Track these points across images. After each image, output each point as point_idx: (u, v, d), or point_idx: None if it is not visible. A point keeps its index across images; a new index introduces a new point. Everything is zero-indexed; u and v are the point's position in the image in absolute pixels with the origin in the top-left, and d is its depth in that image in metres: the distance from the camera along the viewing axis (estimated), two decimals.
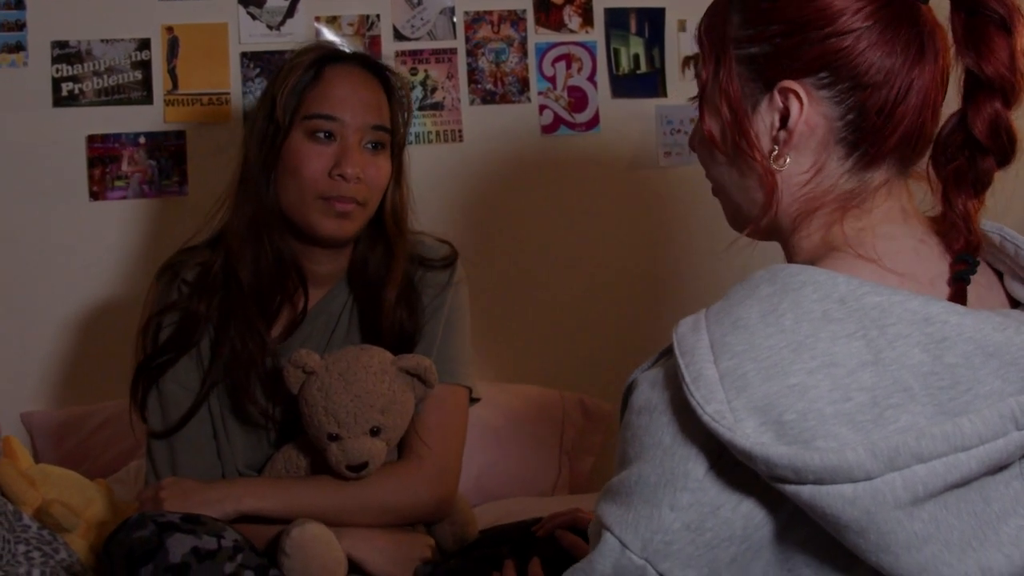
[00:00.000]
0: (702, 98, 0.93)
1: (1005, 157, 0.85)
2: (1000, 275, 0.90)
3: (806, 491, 0.72)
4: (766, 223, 0.92)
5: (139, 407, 1.52)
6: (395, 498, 1.45)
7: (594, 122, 2.32)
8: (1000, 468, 0.75)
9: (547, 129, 2.31)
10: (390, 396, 1.40)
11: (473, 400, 1.59)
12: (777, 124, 0.88)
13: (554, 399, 2.19)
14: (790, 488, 0.73)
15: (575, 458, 2.16)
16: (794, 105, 0.86)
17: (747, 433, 0.73)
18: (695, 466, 0.77)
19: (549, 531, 1.45)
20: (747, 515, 0.77)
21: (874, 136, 0.86)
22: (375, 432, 1.40)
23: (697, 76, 0.94)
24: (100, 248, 2.17)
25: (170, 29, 2.19)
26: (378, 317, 1.52)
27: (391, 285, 1.53)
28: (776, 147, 0.88)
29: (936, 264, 0.86)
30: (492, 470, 2.05)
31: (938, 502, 0.73)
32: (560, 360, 2.32)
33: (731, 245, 0.94)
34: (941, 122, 0.88)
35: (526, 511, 1.76)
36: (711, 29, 0.92)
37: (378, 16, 2.25)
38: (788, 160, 0.88)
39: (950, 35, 0.87)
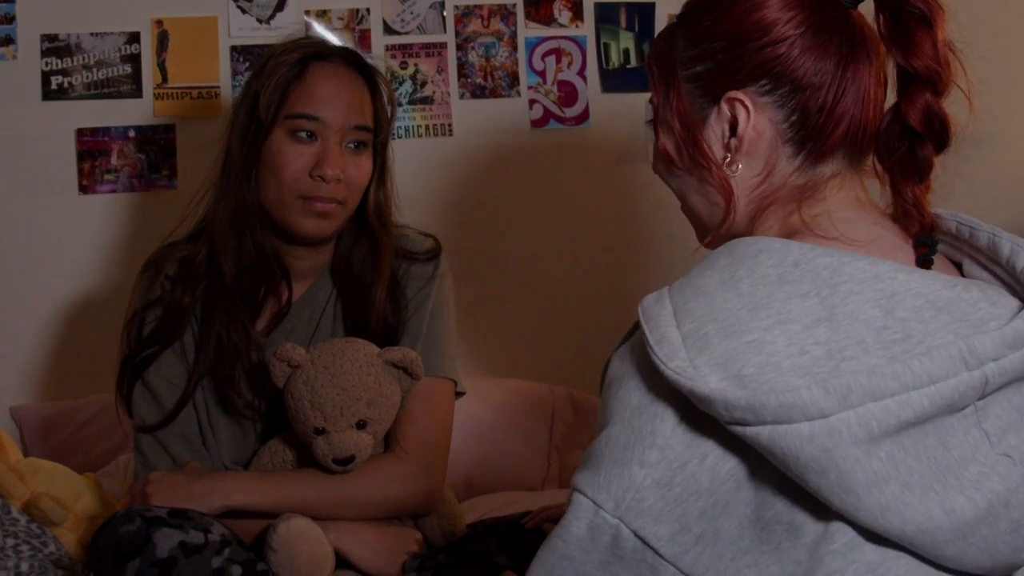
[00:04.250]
0: (656, 119, 0.98)
1: (942, 143, 0.90)
2: (959, 266, 0.93)
3: (765, 432, 0.75)
4: (726, 229, 0.96)
5: (124, 402, 1.52)
6: (382, 491, 1.45)
7: (584, 116, 2.33)
8: (956, 410, 0.77)
9: (537, 123, 2.31)
10: (376, 389, 1.40)
11: (458, 394, 1.59)
12: (727, 133, 0.93)
13: (544, 393, 2.19)
14: (750, 431, 0.75)
15: (564, 452, 2.16)
16: (741, 113, 0.91)
17: (708, 383, 0.76)
18: (661, 424, 0.80)
19: (538, 524, 1.45)
20: (713, 469, 0.79)
21: (819, 133, 0.91)
22: (361, 425, 1.40)
23: (649, 102, 0.99)
24: (89, 242, 2.17)
25: (160, 22, 2.19)
26: (366, 313, 1.52)
27: (379, 282, 1.53)
28: (728, 154, 0.93)
29: (893, 240, 0.90)
30: (481, 464, 2.05)
31: (895, 442, 0.75)
32: (549, 354, 2.33)
33: (696, 252, 1.00)
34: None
35: (515, 505, 1.76)
36: (659, 56, 0.98)
37: (368, 10, 2.25)
38: (740, 166, 0.93)
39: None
